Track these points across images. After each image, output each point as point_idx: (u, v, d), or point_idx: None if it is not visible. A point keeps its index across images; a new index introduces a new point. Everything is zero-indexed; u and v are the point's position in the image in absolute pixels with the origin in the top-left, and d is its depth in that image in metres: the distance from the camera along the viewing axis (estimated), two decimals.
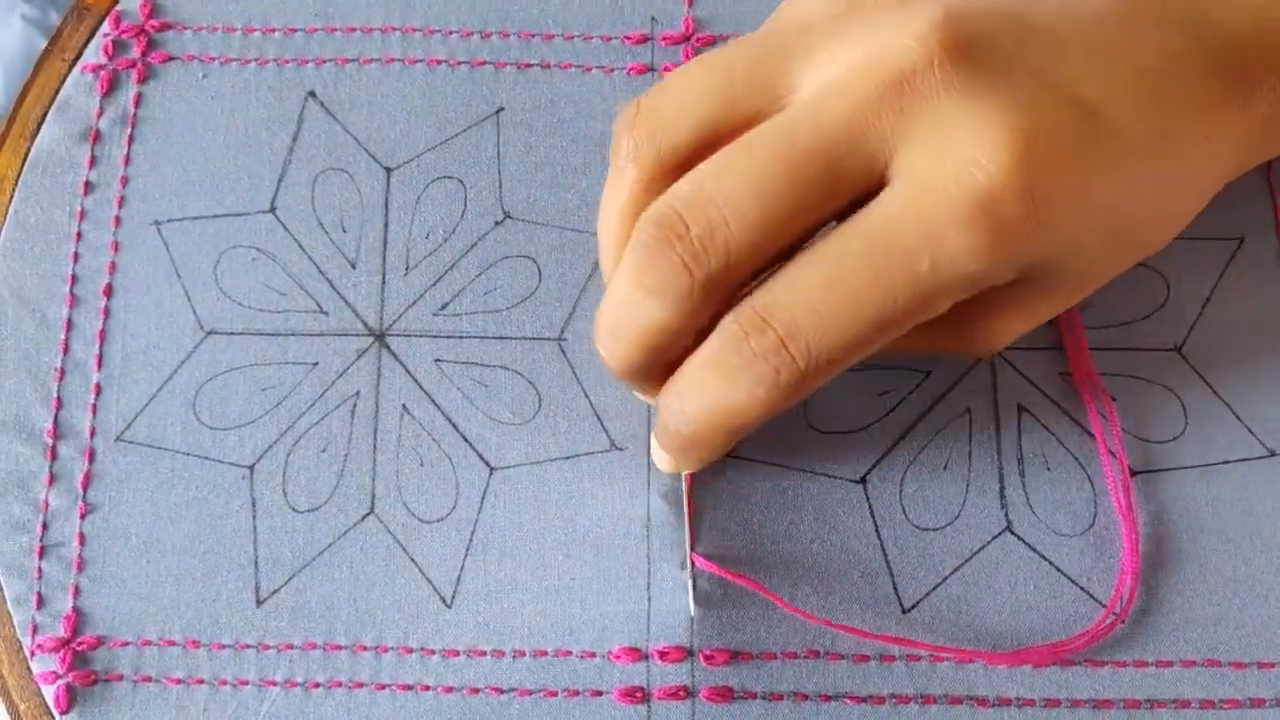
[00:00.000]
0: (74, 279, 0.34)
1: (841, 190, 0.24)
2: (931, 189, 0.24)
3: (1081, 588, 0.32)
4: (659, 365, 0.27)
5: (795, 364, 0.24)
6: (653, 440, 0.31)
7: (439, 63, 0.37)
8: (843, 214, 0.25)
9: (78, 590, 0.32)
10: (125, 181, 0.35)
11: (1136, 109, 0.26)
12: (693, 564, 0.31)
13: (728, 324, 0.25)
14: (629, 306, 0.26)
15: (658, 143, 0.26)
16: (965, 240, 0.24)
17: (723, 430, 0.26)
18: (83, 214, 0.35)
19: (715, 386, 0.25)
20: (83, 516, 0.32)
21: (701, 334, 0.26)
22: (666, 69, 0.36)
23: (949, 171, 0.24)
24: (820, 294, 0.24)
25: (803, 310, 0.24)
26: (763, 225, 0.24)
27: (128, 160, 0.36)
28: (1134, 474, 0.33)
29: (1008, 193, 0.23)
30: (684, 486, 0.32)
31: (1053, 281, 0.28)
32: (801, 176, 0.24)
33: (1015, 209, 0.23)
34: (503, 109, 0.36)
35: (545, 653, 0.31)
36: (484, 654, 0.31)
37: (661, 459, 0.31)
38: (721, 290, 0.25)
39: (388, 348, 0.34)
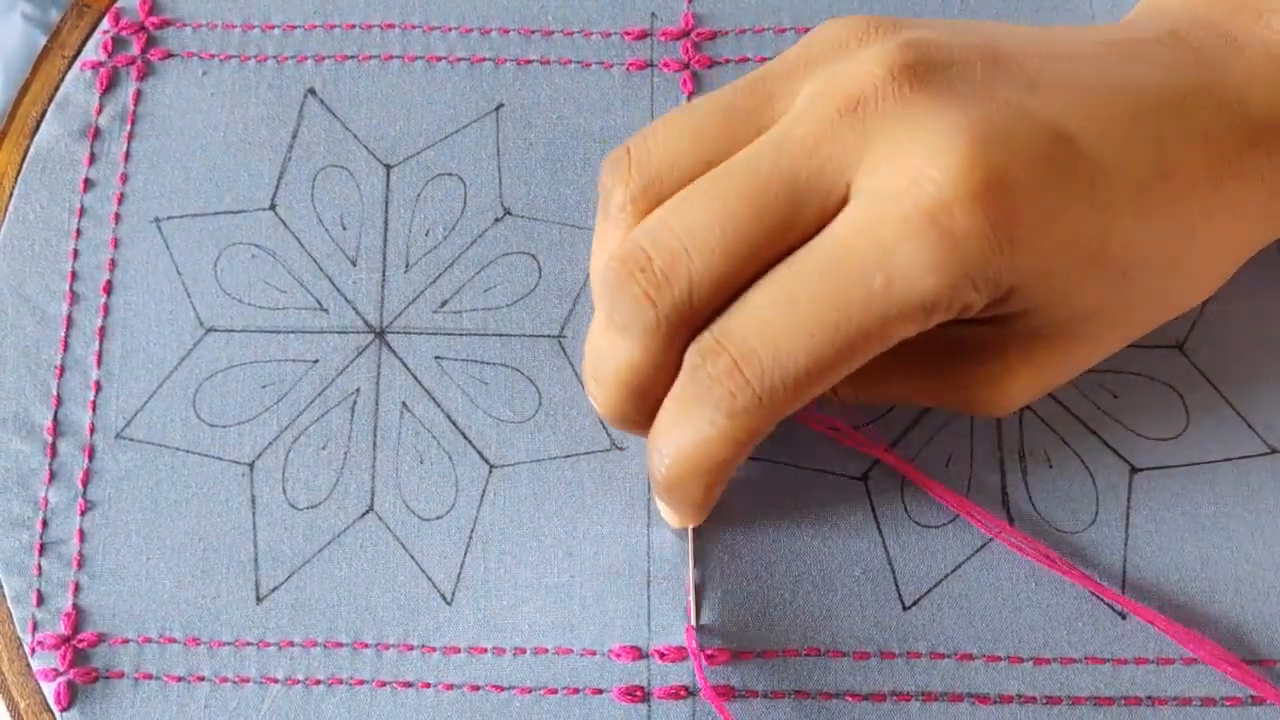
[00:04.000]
0: (74, 276, 0.34)
1: (806, 216, 0.24)
2: (883, 204, 0.23)
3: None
4: (645, 408, 0.26)
5: (750, 387, 0.24)
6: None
7: (438, 59, 0.36)
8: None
9: (78, 587, 0.32)
10: (125, 178, 0.35)
11: (1121, 141, 0.25)
12: (691, 577, 0.31)
13: (689, 355, 0.24)
14: (603, 346, 0.26)
15: (653, 191, 0.25)
16: (917, 254, 0.23)
17: (696, 469, 0.26)
18: (82, 211, 0.35)
19: (681, 420, 0.25)
20: (82, 513, 0.32)
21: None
22: (666, 65, 0.36)
23: (900, 186, 0.23)
24: (771, 314, 0.23)
25: (755, 332, 0.23)
26: (725, 254, 0.24)
27: (127, 157, 0.36)
28: (1136, 471, 0.33)
29: (958, 203, 0.23)
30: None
31: (1049, 330, 0.26)
32: (764, 203, 0.24)
33: (968, 221, 0.23)
34: (502, 105, 0.36)
35: (545, 650, 0.31)
36: (484, 651, 0.31)
37: (667, 514, 0.31)
38: (688, 322, 0.24)
39: (388, 345, 0.34)
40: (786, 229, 0.24)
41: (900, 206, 0.23)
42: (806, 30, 0.36)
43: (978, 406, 0.29)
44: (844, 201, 0.24)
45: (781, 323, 0.23)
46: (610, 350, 0.26)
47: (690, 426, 0.25)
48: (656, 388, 0.26)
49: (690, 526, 0.31)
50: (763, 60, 0.36)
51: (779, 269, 0.24)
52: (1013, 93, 0.24)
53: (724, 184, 0.24)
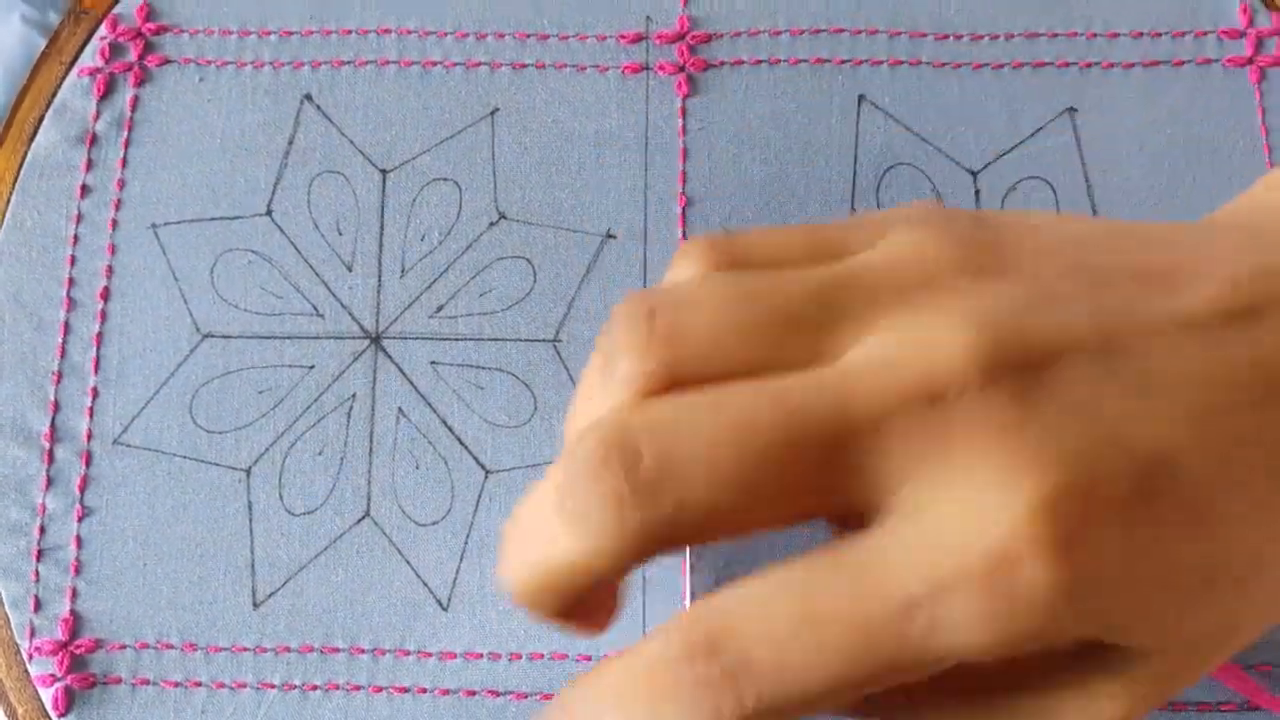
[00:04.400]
0: (71, 282, 0.35)
1: (834, 492, 0.20)
2: (939, 535, 0.19)
3: None
4: (563, 610, 0.22)
5: (741, 705, 0.19)
6: None
7: (434, 64, 0.36)
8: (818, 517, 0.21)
9: (75, 593, 0.32)
10: (122, 185, 0.35)
11: (1234, 444, 0.21)
12: (688, 583, 0.31)
13: (672, 638, 0.20)
14: (537, 524, 0.21)
15: (673, 377, 0.21)
16: (969, 604, 0.19)
17: None
18: (79, 217, 0.35)
19: (646, 704, 0.20)
20: (80, 520, 0.33)
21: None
22: (661, 68, 0.36)
23: (962, 519, 0.19)
24: (788, 627, 0.19)
25: (764, 643, 0.19)
26: (729, 490, 0.20)
27: (124, 163, 0.36)
28: None
29: (1025, 558, 0.19)
30: None
31: (1151, 656, 0.21)
32: (796, 457, 0.20)
33: (1033, 578, 0.19)
34: (497, 110, 0.36)
35: (541, 656, 0.31)
36: (480, 657, 0.31)
37: None
38: (657, 546, 0.20)
39: (383, 350, 0.34)
40: (808, 495, 0.20)
41: (958, 544, 0.19)
42: (802, 33, 0.36)
43: None
44: (887, 499, 0.20)
45: (796, 639, 0.19)
46: (545, 535, 0.20)
47: (654, 712, 0.20)
48: (588, 596, 0.22)
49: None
50: (758, 63, 0.36)
51: (805, 567, 0.20)
52: (1118, 401, 0.20)
53: (763, 409, 0.20)
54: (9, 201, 0.35)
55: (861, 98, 0.36)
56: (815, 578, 0.20)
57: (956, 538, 0.19)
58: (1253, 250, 0.23)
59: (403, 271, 0.35)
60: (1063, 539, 0.19)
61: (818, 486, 0.20)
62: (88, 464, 0.33)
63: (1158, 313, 0.21)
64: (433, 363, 0.34)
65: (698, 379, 0.21)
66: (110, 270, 0.35)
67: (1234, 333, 0.21)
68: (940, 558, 0.19)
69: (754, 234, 0.23)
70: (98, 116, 0.36)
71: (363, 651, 0.32)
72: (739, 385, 0.20)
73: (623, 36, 0.37)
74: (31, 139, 0.36)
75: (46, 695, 0.31)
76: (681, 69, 0.36)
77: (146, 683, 0.31)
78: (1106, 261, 0.22)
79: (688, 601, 0.31)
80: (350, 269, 0.35)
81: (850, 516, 0.21)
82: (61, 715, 0.31)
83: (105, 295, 0.34)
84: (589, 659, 0.31)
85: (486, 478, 0.33)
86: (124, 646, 0.32)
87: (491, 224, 0.35)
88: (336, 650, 0.32)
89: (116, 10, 0.37)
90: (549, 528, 0.20)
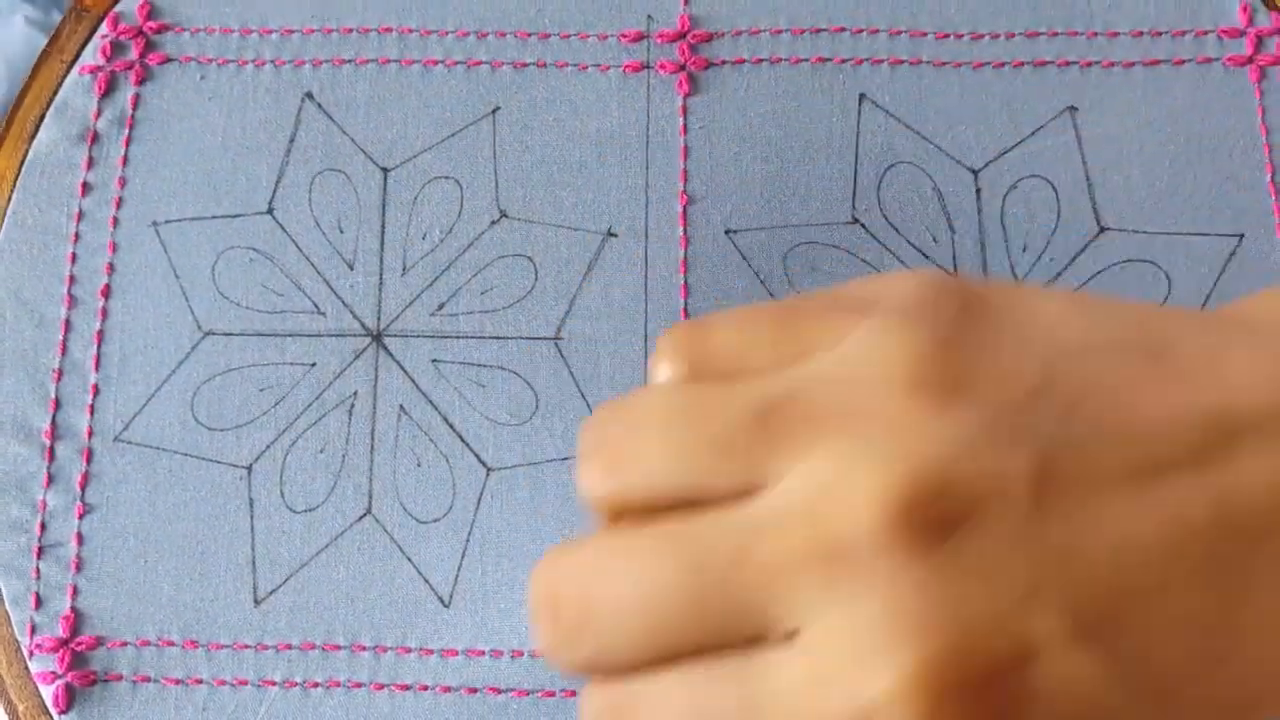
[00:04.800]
0: (72, 280, 0.35)
1: (740, 628, 0.21)
2: (817, 682, 0.20)
3: None
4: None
5: None
6: None
7: (435, 63, 0.36)
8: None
9: (76, 590, 0.32)
10: (123, 182, 0.35)
11: (1172, 615, 0.20)
12: None
13: (589, 706, 0.22)
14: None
15: (616, 501, 0.22)
16: None
17: None
18: (80, 215, 0.35)
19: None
20: (81, 517, 0.33)
21: None
22: (662, 66, 0.36)
23: (842, 673, 0.20)
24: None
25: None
26: (641, 638, 0.21)
27: (125, 161, 0.36)
28: None
29: None
30: None
31: None
32: (701, 608, 0.21)
33: None
34: (499, 108, 0.36)
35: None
36: (482, 654, 0.31)
37: None
38: (602, 673, 0.22)
39: (385, 348, 0.34)
40: (716, 632, 0.21)
41: (830, 695, 0.20)
42: (803, 32, 0.36)
43: None
44: (791, 632, 0.21)
45: None
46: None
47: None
48: None
49: None
50: (759, 62, 0.36)
51: (702, 673, 0.21)
52: (1030, 570, 0.20)
53: (667, 569, 0.21)
54: (10, 199, 0.35)
55: (862, 96, 0.36)
56: (712, 683, 0.21)
57: (832, 688, 0.19)
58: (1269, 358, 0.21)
59: (404, 269, 0.35)
60: (924, 714, 0.19)
61: (723, 625, 0.21)
62: (88, 461, 0.33)
63: (1113, 462, 0.20)
64: (434, 360, 0.34)
65: (642, 503, 0.22)
66: (111, 268, 0.35)
67: (1204, 473, 0.20)
68: (809, 703, 0.20)
69: (721, 327, 0.23)
70: (99, 114, 0.36)
71: (364, 649, 0.32)
72: (654, 530, 0.21)
73: (624, 35, 0.37)
74: (33, 137, 0.36)
75: (47, 692, 0.31)
76: (682, 68, 0.36)
77: (147, 680, 0.31)
78: (1088, 375, 0.21)
79: None
80: (352, 267, 0.35)
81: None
82: (62, 712, 0.31)
83: (106, 293, 0.34)
84: None
85: (488, 475, 0.33)
86: (125, 644, 0.32)
87: (493, 222, 0.35)
88: (338, 648, 0.32)
89: (118, 9, 0.37)
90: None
